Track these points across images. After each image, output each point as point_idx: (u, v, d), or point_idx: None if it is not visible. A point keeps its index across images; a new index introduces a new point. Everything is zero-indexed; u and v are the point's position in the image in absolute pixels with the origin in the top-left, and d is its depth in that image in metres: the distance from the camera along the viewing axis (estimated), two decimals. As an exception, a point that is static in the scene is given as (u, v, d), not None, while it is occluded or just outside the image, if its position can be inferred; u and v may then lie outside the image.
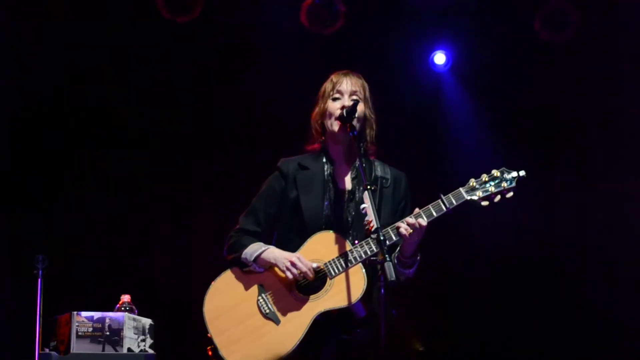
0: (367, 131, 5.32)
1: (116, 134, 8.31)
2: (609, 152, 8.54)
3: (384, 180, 5.33)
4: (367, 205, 4.98)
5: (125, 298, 6.21)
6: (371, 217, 4.93)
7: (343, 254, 5.11)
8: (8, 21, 8.08)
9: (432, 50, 8.66)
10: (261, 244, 5.22)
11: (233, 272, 5.25)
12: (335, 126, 5.24)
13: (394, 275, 4.59)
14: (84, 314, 6.00)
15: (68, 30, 8.15)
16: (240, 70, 8.43)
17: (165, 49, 8.30)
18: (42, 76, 8.16)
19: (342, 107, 5.23)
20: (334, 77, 5.37)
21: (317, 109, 5.38)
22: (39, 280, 6.22)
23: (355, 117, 5.17)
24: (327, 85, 5.36)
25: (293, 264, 5.09)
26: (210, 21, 8.32)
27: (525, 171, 5.10)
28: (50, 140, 8.20)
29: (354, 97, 5.27)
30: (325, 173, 5.30)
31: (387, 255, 4.67)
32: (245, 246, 5.23)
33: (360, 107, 5.23)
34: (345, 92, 5.30)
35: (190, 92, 8.39)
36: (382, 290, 4.93)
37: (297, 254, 5.12)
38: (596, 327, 8.43)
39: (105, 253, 8.14)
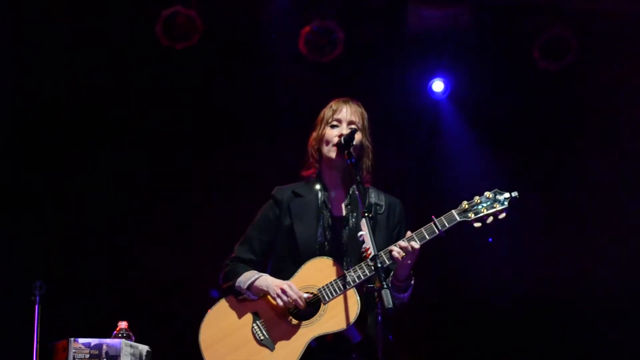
0: (364, 160, 5.34)
1: (114, 157, 8.33)
2: (608, 178, 8.55)
3: (378, 207, 5.35)
4: (365, 232, 5.00)
5: (123, 325, 6.19)
6: (369, 244, 4.95)
7: (336, 279, 5.12)
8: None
9: (431, 77, 8.68)
10: (255, 272, 5.24)
11: (228, 300, 5.28)
12: (332, 153, 5.26)
13: (391, 303, 4.60)
14: (81, 340, 5.98)
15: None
16: (238, 97, 8.45)
17: (163, 75, 8.32)
18: (40, 107, 8.22)
19: (340, 135, 5.25)
20: (333, 104, 5.39)
21: (314, 135, 5.40)
22: (37, 306, 6.21)
23: (352, 144, 5.18)
24: (327, 112, 5.38)
25: (284, 292, 5.10)
26: (208, 49, 8.35)
27: (523, 198, 5.12)
28: (47, 162, 8.21)
29: (352, 126, 5.29)
30: (320, 200, 5.31)
31: (384, 282, 4.68)
32: (239, 274, 5.25)
33: (358, 136, 5.24)
34: (344, 120, 5.32)
35: (188, 120, 8.41)
36: (380, 317, 4.93)
37: (289, 281, 5.14)
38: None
39: (102, 280, 8.14)
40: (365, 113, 5.41)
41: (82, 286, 8.06)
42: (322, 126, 5.38)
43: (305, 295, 5.12)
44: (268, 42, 8.35)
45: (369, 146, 5.37)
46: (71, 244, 8.14)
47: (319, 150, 5.38)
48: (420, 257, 5.08)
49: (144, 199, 8.37)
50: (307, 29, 8.32)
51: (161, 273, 8.33)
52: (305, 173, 5.44)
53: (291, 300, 5.10)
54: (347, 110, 5.36)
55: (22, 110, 8.19)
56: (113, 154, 8.32)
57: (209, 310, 5.28)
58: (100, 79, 8.25)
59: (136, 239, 8.31)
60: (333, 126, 5.35)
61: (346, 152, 5.17)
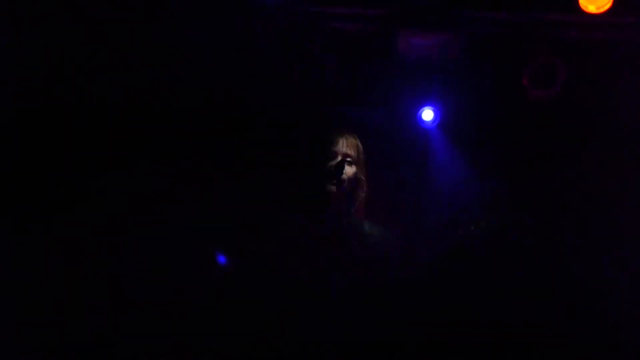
0: (358, 192, 5.33)
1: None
2: (601, 208, 8.56)
3: (370, 237, 5.35)
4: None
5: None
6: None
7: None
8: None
9: (420, 106, 8.69)
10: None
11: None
12: (330, 188, 5.24)
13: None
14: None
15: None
16: (226, 127, 8.46)
17: (157, 109, 8.33)
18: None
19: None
20: (330, 138, 5.37)
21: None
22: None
23: (343, 173, 5.17)
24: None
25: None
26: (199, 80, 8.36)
27: (517, 227, 5.12)
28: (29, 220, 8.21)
29: (349, 160, 5.28)
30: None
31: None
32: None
33: (351, 169, 5.24)
34: (339, 154, 5.31)
35: (169, 136, 8.41)
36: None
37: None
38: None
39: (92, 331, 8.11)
40: (360, 146, 5.40)
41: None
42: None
43: None
44: (259, 69, 8.36)
45: (363, 179, 5.37)
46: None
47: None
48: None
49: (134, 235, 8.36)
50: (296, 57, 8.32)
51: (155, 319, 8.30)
52: None
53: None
54: (343, 143, 5.35)
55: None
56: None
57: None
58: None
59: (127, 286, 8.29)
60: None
61: (335, 180, 5.16)
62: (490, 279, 8.43)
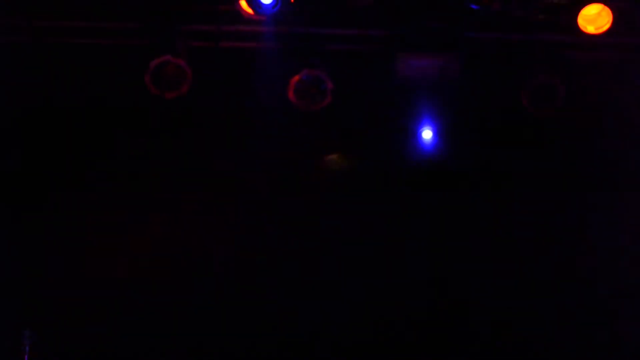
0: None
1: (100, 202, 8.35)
2: (602, 220, 8.59)
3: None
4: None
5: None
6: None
7: None
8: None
9: (420, 126, 8.71)
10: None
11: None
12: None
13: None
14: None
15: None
16: (227, 146, 8.48)
17: (152, 123, 8.35)
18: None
19: None
20: None
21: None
22: (26, 357, 6.18)
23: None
24: None
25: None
26: (197, 98, 8.36)
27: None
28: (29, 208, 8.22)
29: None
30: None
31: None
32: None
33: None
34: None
35: (176, 166, 8.43)
36: None
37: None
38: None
39: (92, 328, 8.10)
40: None
41: (71, 333, 8.02)
42: None
43: None
44: (258, 91, 8.38)
45: None
46: (60, 291, 8.11)
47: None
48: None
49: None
50: (296, 78, 8.34)
51: (147, 314, 8.30)
52: None
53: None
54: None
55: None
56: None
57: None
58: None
59: (125, 280, 8.29)
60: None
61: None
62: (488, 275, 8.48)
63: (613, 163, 8.59)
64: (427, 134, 8.72)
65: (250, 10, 7.86)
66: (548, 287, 8.58)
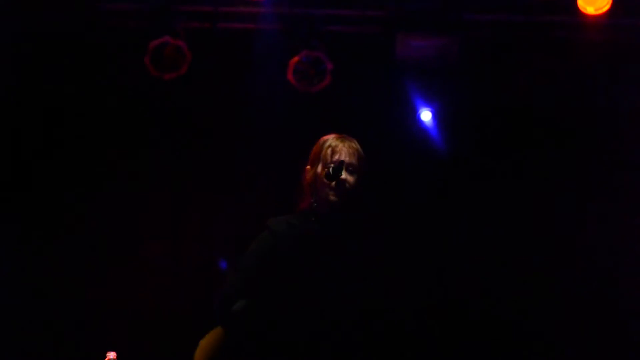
0: (356, 200, 5.29)
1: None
2: (598, 221, 8.59)
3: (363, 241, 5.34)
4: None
5: (111, 355, 6.16)
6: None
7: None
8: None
9: (419, 107, 8.71)
10: (246, 300, 5.22)
11: (219, 331, 5.26)
12: (331, 196, 5.20)
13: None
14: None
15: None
16: (226, 128, 8.48)
17: (150, 104, 8.36)
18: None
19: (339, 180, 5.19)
20: (332, 143, 5.29)
21: (310, 171, 5.31)
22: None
23: (340, 175, 5.15)
24: (326, 152, 5.28)
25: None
26: (197, 79, 8.36)
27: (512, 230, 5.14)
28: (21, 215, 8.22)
29: (350, 169, 5.22)
30: (314, 233, 5.28)
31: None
32: (233, 304, 5.22)
33: (353, 178, 5.19)
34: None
35: (173, 150, 8.43)
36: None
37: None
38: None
39: (90, 309, 8.12)
40: (362, 153, 5.33)
41: (70, 316, 8.04)
42: (321, 165, 5.30)
43: None
44: (257, 72, 8.38)
45: (362, 184, 5.32)
46: (59, 271, 8.13)
47: (315, 188, 5.32)
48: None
49: (130, 229, 8.37)
50: (295, 59, 8.33)
51: (151, 300, 8.32)
52: (301, 205, 5.39)
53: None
54: (346, 153, 5.28)
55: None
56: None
57: (200, 341, 5.26)
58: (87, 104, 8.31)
59: (125, 262, 8.30)
60: (331, 167, 5.31)
61: (335, 182, 5.14)
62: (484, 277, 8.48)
63: (615, 144, 8.58)
64: (426, 116, 8.73)
65: (248, -8, 7.86)
66: (545, 285, 8.57)
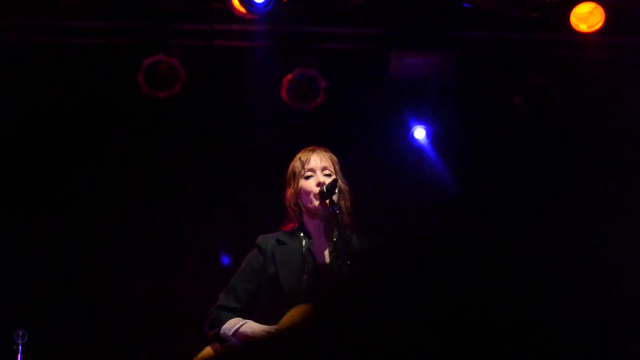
0: (342, 202, 5.34)
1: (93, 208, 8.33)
2: (596, 224, 8.57)
3: (360, 253, 5.34)
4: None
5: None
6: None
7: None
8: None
9: (412, 125, 8.71)
10: (239, 319, 5.23)
11: (213, 347, 5.26)
12: (315, 202, 5.25)
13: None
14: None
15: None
16: (220, 145, 8.48)
17: (145, 123, 8.35)
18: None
19: (319, 184, 5.25)
20: (302, 156, 5.39)
21: (290, 191, 5.38)
22: (19, 355, 6.18)
23: (335, 192, 5.19)
24: (296, 165, 5.38)
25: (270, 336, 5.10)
26: (190, 97, 8.36)
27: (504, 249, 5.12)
28: (27, 205, 8.19)
29: (326, 172, 5.30)
30: (304, 248, 5.30)
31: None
32: (224, 322, 5.24)
33: (330, 180, 5.24)
34: (316, 169, 5.33)
35: (169, 168, 8.43)
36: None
37: (276, 327, 5.13)
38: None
39: (86, 327, 8.09)
40: (334, 157, 5.42)
41: (65, 333, 8.01)
42: (296, 180, 5.37)
43: None
44: (250, 89, 8.38)
45: (346, 187, 5.40)
46: (53, 291, 8.10)
47: (298, 204, 5.37)
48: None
49: (127, 246, 8.36)
50: (289, 76, 8.34)
51: (145, 313, 8.30)
52: (285, 228, 5.43)
53: (277, 345, 5.09)
54: (316, 159, 5.36)
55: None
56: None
57: (193, 358, 5.26)
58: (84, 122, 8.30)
59: (120, 278, 8.28)
60: (307, 177, 5.35)
61: (328, 201, 5.17)
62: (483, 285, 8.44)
63: (607, 161, 8.56)
64: (419, 134, 8.72)
65: (242, 9, 7.85)
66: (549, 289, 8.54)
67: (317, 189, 5.25)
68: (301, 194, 5.34)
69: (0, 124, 8.03)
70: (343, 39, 8.59)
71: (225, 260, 7.80)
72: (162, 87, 8.22)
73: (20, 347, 6.21)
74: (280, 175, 5.93)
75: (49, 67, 8.20)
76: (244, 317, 5.27)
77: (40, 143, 8.27)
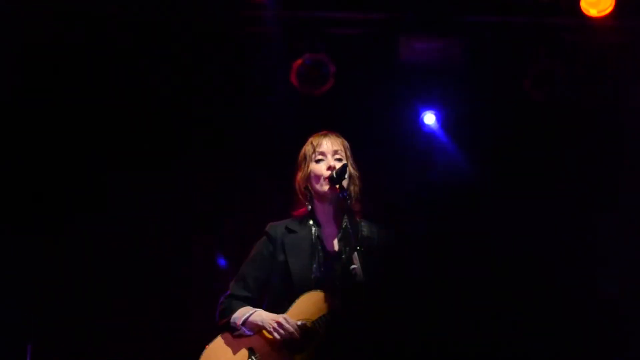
0: (352, 188, 5.37)
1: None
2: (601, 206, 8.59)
3: (370, 240, 5.36)
4: (357, 266, 5.01)
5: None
6: (361, 277, 4.97)
7: (331, 311, 5.14)
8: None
9: (422, 110, 8.71)
10: (249, 307, 5.27)
11: (224, 337, 5.31)
12: (325, 187, 5.28)
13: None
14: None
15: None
16: (229, 131, 8.49)
17: (150, 113, 8.38)
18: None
19: (329, 168, 5.27)
20: (313, 140, 5.42)
21: (300, 174, 5.42)
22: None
23: (345, 178, 5.21)
24: (308, 149, 5.41)
25: (280, 325, 5.14)
26: (199, 82, 8.37)
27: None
28: (30, 214, 8.21)
29: (337, 157, 5.33)
30: (313, 235, 5.33)
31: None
32: (234, 311, 5.28)
33: (340, 164, 5.26)
34: (327, 153, 5.35)
35: (176, 155, 8.44)
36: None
37: (285, 315, 5.16)
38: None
39: (93, 336, 8.12)
40: (345, 142, 5.45)
41: (72, 344, 8.05)
42: (307, 163, 5.39)
43: (300, 323, 5.14)
44: (260, 74, 8.38)
45: (356, 173, 5.42)
46: (61, 302, 8.11)
47: (308, 188, 5.40)
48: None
49: (134, 248, 8.37)
50: (299, 61, 8.34)
51: (154, 308, 8.32)
52: (296, 213, 5.45)
53: (287, 333, 5.12)
54: (328, 143, 5.39)
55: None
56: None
57: (206, 347, 5.30)
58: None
59: (125, 282, 8.29)
60: (318, 161, 5.38)
61: (338, 186, 5.19)
62: (487, 278, 8.47)
63: (617, 145, 8.57)
64: (429, 118, 8.72)
65: (252, -5, 7.87)
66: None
67: (327, 173, 5.28)
68: (311, 177, 5.37)
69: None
70: (352, 24, 8.58)
71: (222, 262, 7.82)
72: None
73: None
74: (290, 160, 5.95)
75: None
76: (255, 305, 5.30)
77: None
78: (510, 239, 8.38)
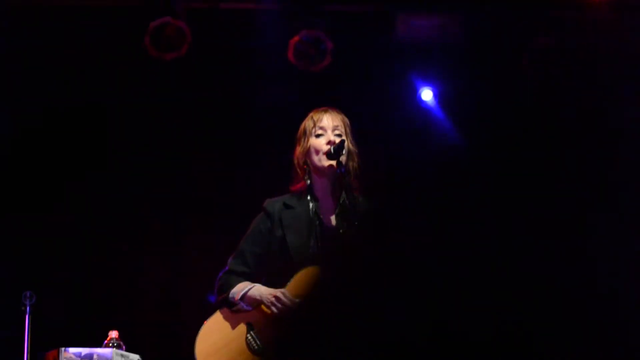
0: (350, 164, 5.37)
1: (104, 164, 8.34)
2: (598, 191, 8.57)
3: (367, 215, 5.37)
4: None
5: (113, 334, 6.17)
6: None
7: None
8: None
9: (420, 86, 8.71)
10: (248, 282, 5.28)
11: (223, 312, 5.32)
12: (324, 162, 5.29)
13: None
14: (72, 350, 5.97)
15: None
16: (227, 108, 8.48)
17: (150, 84, 8.35)
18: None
19: (329, 143, 5.27)
20: (313, 115, 5.42)
21: (299, 149, 5.42)
22: (27, 316, 6.20)
23: (343, 153, 5.22)
24: (308, 124, 5.41)
25: (277, 299, 5.15)
26: (197, 59, 8.35)
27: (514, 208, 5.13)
28: (36, 173, 8.20)
29: (337, 132, 5.33)
30: (311, 211, 5.33)
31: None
32: (233, 286, 5.29)
33: (339, 140, 5.27)
34: (327, 128, 5.36)
35: (174, 129, 8.43)
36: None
37: (282, 289, 5.17)
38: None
39: (93, 289, 8.13)
40: (346, 118, 5.45)
41: (73, 295, 8.06)
42: (307, 138, 5.40)
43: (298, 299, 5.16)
44: (257, 52, 8.37)
45: (355, 149, 5.42)
46: (61, 252, 8.13)
47: (307, 162, 5.40)
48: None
49: (135, 207, 8.37)
50: (296, 38, 8.32)
51: (153, 282, 8.33)
52: (294, 187, 5.46)
53: (285, 307, 5.13)
54: (328, 118, 5.40)
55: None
56: (103, 166, 8.33)
57: (204, 322, 5.32)
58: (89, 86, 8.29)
59: (128, 247, 8.30)
60: (318, 135, 5.38)
61: (336, 161, 5.20)
62: (485, 269, 8.46)
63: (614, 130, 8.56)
64: (427, 95, 8.72)
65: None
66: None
67: (326, 147, 5.28)
68: (310, 152, 5.37)
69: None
70: (349, 1, 8.57)
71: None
72: (168, 49, 8.21)
73: (28, 308, 6.22)
74: (288, 136, 5.95)
75: (52, 30, 8.18)
76: (253, 281, 5.31)
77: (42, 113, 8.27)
78: (507, 214, 8.37)
